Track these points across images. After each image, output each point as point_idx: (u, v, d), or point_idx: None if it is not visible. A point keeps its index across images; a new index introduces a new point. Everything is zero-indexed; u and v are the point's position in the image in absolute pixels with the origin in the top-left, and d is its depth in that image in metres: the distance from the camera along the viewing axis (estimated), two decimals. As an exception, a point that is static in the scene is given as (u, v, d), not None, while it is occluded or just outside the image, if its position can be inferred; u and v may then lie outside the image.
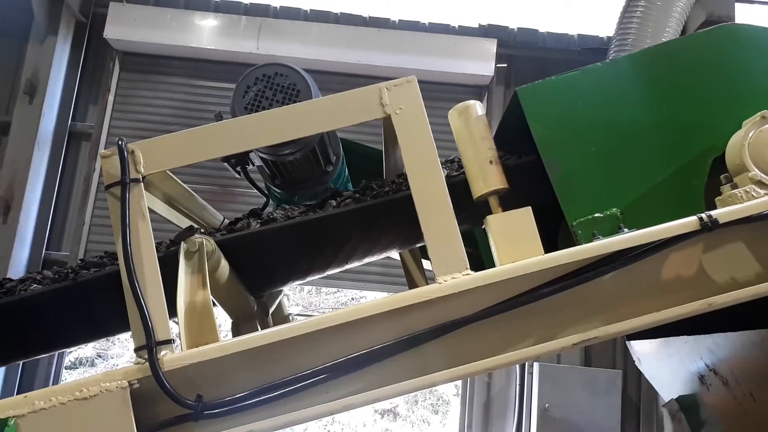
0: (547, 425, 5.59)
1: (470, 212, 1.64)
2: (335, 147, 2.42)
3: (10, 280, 1.82)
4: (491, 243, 1.52)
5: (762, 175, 1.47)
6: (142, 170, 1.52)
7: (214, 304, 1.79)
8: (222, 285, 1.71)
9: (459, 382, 6.73)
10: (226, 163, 2.30)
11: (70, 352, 8.87)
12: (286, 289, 2.77)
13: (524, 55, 6.88)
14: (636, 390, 5.96)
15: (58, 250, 6.38)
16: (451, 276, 1.41)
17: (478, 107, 1.69)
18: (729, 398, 1.89)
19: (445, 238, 1.43)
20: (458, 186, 1.64)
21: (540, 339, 1.40)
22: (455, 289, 1.41)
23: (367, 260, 2.12)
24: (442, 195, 1.46)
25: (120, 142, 1.51)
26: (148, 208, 1.61)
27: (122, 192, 1.47)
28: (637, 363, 2.25)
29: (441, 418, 11.50)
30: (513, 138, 1.79)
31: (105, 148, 2.04)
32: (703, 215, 1.42)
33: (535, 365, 5.92)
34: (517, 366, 6.11)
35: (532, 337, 1.40)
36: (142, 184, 1.51)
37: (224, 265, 1.70)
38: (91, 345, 10.30)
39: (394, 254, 2.74)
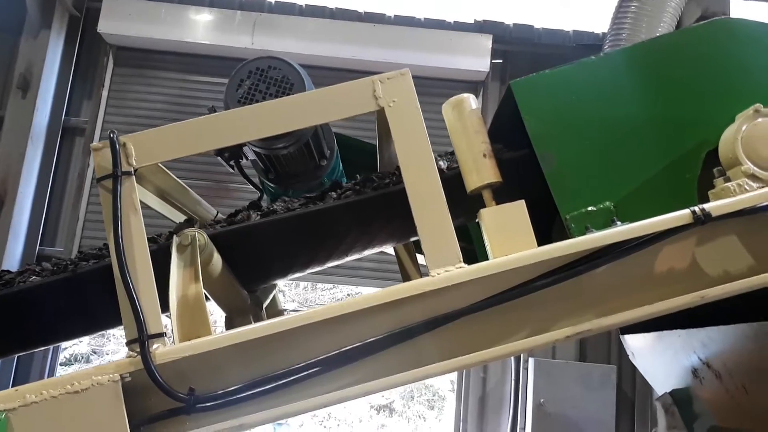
0: (542, 420, 5.60)
1: (464, 206, 1.63)
2: (329, 141, 2.41)
3: (9, 272, 1.82)
4: (484, 236, 1.52)
5: (755, 168, 1.47)
6: (134, 163, 1.51)
7: (207, 299, 1.79)
8: (215, 279, 1.70)
9: (455, 378, 6.75)
10: (219, 157, 2.30)
11: (65, 348, 8.84)
12: (282, 285, 2.75)
13: (519, 50, 6.88)
14: (631, 385, 5.98)
15: (52, 245, 6.36)
16: (445, 269, 1.40)
17: (471, 101, 1.68)
18: (722, 391, 1.90)
19: (438, 231, 1.43)
20: (452, 180, 1.63)
21: (533, 332, 1.40)
22: (448, 282, 1.40)
23: (366, 252, 2.11)
24: (435, 188, 1.45)
25: (111, 135, 1.50)
26: (141, 202, 1.61)
27: (114, 185, 1.46)
28: (631, 357, 2.26)
29: (437, 413, 11.53)
30: (507, 132, 1.78)
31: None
32: (696, 208, 1.42)
33: (530, 360, 5.93)
34: (513, 361, 6.13)
35: (525, 330, 1.40)
36: (134, 176, 1.51)
37: (217, 259, 1.69)
38: (86, 342, 10.28)
39: (389, 249, 2.75)
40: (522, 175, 1.71)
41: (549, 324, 1.40)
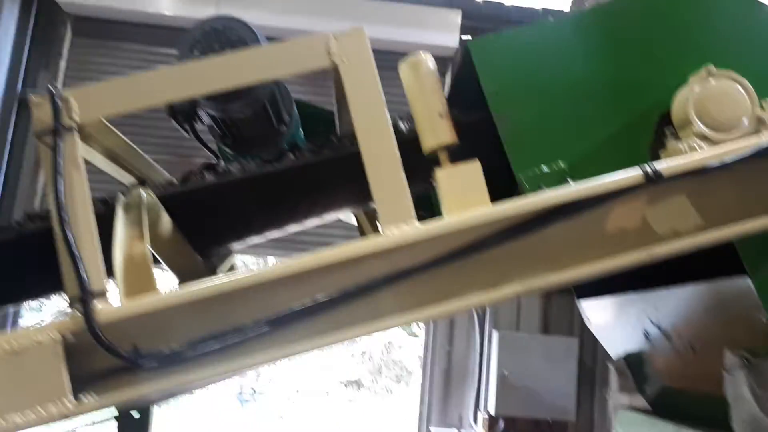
0: (506, 391, 5.71)
1: (425, 172, 1.62)
2: (288, 106, 2.36)
3: None
4: (439, 196, 1.51)
5: (706, 129, 1.48)
6: (76, 118, 1.45)
7: (158, 262, 1.75)
8: (164, 241, 1.66)
9: (421, 352, 6.83)
10: (173, 121, 2.24)
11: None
12: (251, 263, 2.71)
13: (488, 27, 6.84)
14: (592, 356, 6.12)
15: (8, 220, 6.17)
16: (398, 226, 1.39)
17: (429, 61, 1.66)
18: (672, 353, 1.94)
19: (391, 187, 1.41)
20: (413, 143, 1.61)
21: (486, 288, 1.40)
22: (402, 241, 1.39)
23: (326, 218, 2.09)
24: (388, 144, 1.43)
25: (51, 88, 1.44)
26: (89, 162, 1.56)
27: (54, 139, 1.40)
28: (587, 322, 2.29)
29: (403, 387, 11.68)
30: (464, 96, 1.77)
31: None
32: (648, 168, 1.42)
33: (495, 333, 6.02)
34: (477, 334, 6.22)
35: (476, 287, 1.40)
36: (76, 132, 1.45)
37: (166, 220, 1.66)
38: (48, 319, 10.06)
39: (352, 218, 2.73)
40: (479, 140, 1.70)
41: (502, 280, 1.40)
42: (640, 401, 2.16)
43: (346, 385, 11.96)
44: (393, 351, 11.80)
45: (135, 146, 1.89)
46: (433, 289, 1.39)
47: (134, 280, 1.42)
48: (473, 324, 6.29)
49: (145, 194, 1.60)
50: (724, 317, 1.70)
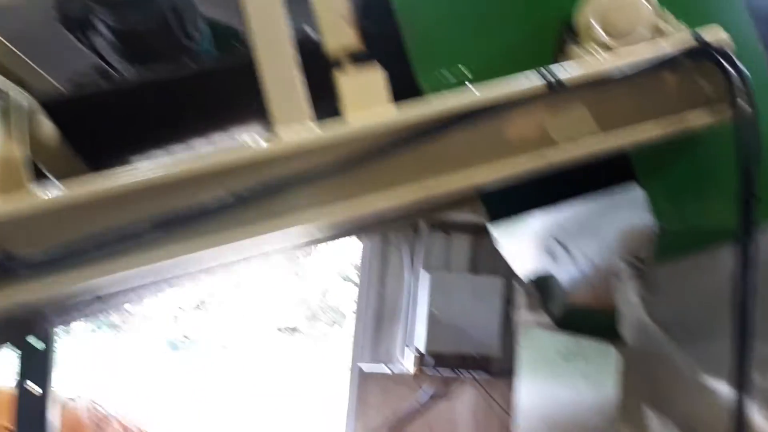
0: (435, 329, 5.89)
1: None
2: (194, 20, 2.23)
3: None
4: (340, 100, 1.46)
5: (605, 36, 1.48)
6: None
7: (45, 176, 1.64)
8: (48, 150, 1.56)
9: (355, 295, 6.91)
10: (66, 30, 2.08)
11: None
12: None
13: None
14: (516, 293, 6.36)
15: None
16: (291, 126, 1.34)
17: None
18: (575, 270, 2.00)
19: (284, 84, 1.35)
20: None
21: (384, 192, 1.37)
22: (297, 147, 1.34)
23: (233, 132, 2.01)
24: (281, 38, 1.37)
25: None
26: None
27: None
28: (497, 246, 2.33)
29: (338, 330, 11.89)
30: (375, 9, 1.71)
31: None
32: (550, 77, 1.41)
33: (425, 274, 6.14)
34: (407, 274, 6.34)
35: (375, 191, 1.37)
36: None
37: (49, 127, 1.54)
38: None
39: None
40: (387, 52, 1.66)
41: (402, 184, 1.38)
42: (547, 320, 2.23)
43: (282, 331, 12.07)
44: (328, 296, 11.96)
45: (15, 48, 1.74)
46: (330, 194, 1.36)
47: (5, 183, 1.31)
48: (404, 265, 6.39)
49: (22, 98, 1.48)
50: (620, 229, 1.75)
